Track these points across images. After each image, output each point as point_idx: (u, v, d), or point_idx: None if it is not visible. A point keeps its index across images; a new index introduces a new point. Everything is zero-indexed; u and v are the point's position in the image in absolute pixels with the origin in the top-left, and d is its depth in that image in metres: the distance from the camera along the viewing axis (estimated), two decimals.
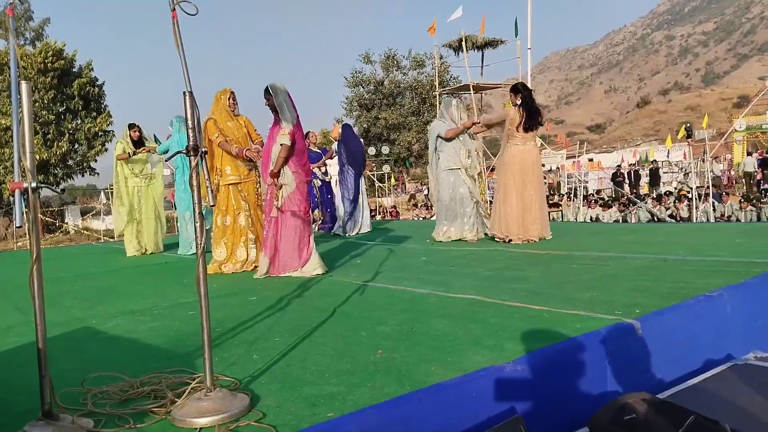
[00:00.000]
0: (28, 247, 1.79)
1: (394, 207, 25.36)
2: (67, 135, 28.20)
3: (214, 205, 1.76)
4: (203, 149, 1.92)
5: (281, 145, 4.79)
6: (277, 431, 1.75)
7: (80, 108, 28.72)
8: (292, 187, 4.90)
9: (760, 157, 22.22)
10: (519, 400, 2.10)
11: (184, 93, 1.89)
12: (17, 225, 1.64)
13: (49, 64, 26.94)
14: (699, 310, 2.97)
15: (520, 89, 6.41)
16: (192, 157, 1.91)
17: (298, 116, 4.91)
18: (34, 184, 1.70)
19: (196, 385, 2.09)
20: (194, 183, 1.93)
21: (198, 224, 1.94)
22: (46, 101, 27.19)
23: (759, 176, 21.63)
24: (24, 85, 1.73)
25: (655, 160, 26.47)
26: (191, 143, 1.89)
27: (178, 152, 1.98)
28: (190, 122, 1.89)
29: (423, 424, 1.88)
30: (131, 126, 7.69)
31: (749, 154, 23.92)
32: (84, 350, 3.04)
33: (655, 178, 23.75)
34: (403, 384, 2.08)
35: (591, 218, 15.53)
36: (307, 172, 5.07)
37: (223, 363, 2.52)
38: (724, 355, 2.92)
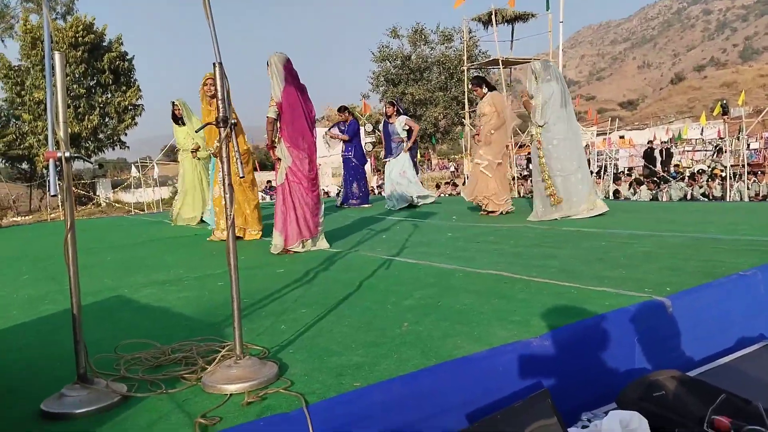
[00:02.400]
0: (62, 218, 1.83)
1: (421, 183, 25.24)
2: (97, 109, 28.64)
3: (243, 177, 1.76)
4: (233, 121, 1.92)
5: (266, 117, 4.78)
6: (305, 399, 1.77)
7: (110, 82, 29.11)
8: (289, 161, 4.78)
9: None
10: (545, 375, 2.10)
11: (214, 64, 1.89)
12: (52, 194, 1.67)
13: (79, 39, 27.27)
14: (731, 289, 2.92)
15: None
16: (222, 129, 1.91)
17: (295, 88, 4.73)
18: (67, 154, 1.73)
19: (226, 353, 2.13)
20: (223, 155, 1.93)
21: (228, 195, 1.96)
22: (77, 75, 27.59)
23: None
24: (57, 56, 1.75)
25: (668, 140, 25.95)
26: (221, 114, 1.89)
27: (207, 124, 1.99)
28: (219, 93, 1.89)
29: (448, 397, 1.89)
30: (173, 103, 7.83)
31: None
32: (116, 318, 3.12)
33: (668, 158, 23.32)
34: (429, 357, 2.09)
35: (618, 196, 15.26)
36: (303, 145, 4.81)
37: (252, 333, 2.56)
38: (756, 334, 2.87)
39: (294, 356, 2.22)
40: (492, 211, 7.00)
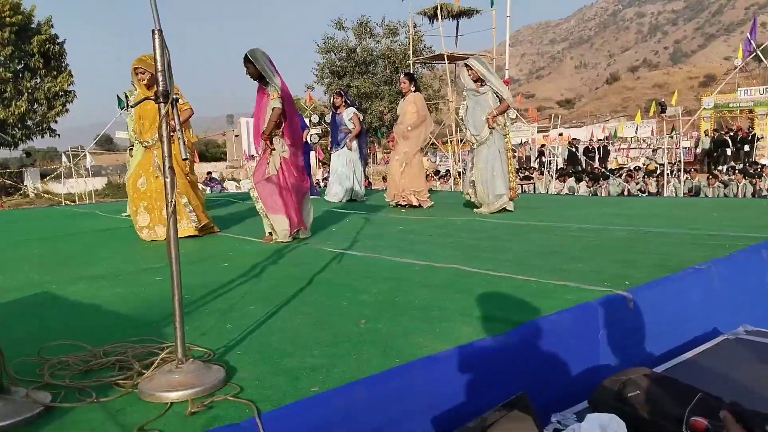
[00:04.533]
0: None
1: (366, 177, 25.12)
2: (25, 94, 27.07)
3: (186, 159, 1.58)
4: (174, 96, 1.71)
5: (273, 109, 4.54)
6: (256, 407, 1.59)
7: (40, 66, 27.55)
8: (287, 153, 4.69)
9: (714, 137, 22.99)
10: (514, 373, 1.99)
11: (153, 31, 1.67)
12: None
13: (6, 19, 25.65)
14: (688, 282, 2.91)
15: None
16: (161, 105, 1.70)
17: (283, 82, 4.65)
18: None
19: (166, 356, 1.91)
20: (162, 134, 1.72)
21: (168, 180, 1.75)
22: (2, 58, 25.98)
23: (715, 154, 22.28)
24: None
25: (605, 138, 26.92)
26: (161, 88, 1.68)
27: (145, 98, 1.77)
28: (159, 64, 1.68)
29: (414, 400, 1.75)
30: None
31: (705, 133, 24.59)
32: (42, 317, 2.82)
33: (605, 155, 24.27)
34: (390, 356, 1.95)
35: (563, 191, 15.61)
36: (299, 138, 4.85)
37: (195, 332, 2.34)
38: (711, 328, 2.87)
39: (243, 358, 2.03)
40: (416, 206, 6.97)
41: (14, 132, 27.53)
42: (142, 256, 4.50)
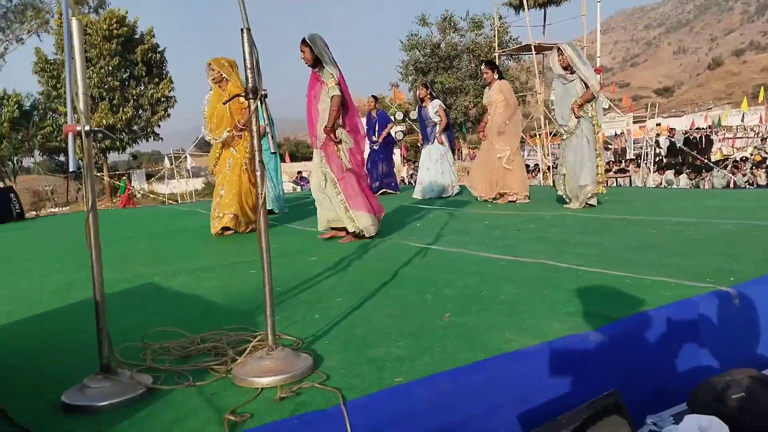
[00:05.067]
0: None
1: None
2: (131, 101, 29.01)
3: (275, 153, 1.61)
4: (264, 91, 1.77)
5: (332, 97, 4.38)
6: (342, 395, 1.62)
7: (143, 74, 29.43)
8: (351, 143, 4.56)
9: None
10: (604, 371, 1.91)
11: (242, 30, 1.74)
12: (71, 170, 1.55)
13: (113, 31, 27.60)
14: None
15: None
16: (251, 101, 1.76)
17: (340, 71, 4.50)
18: (87, 127, 1.60)
19: (258, 344, 1.99)
20: (252, 128, 1.78)
21: (259, 173, 1.81)
22: (111, 68, 27.97)
23: None
24: (75, 22, 1.62)
25: (707, 127, 25.03)
26: (250, 85, 1.74)
27: (236, 96, 1.84)
28: (248, 62, 1.74)
29: (499, 394, 1.72)
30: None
31: None
32: (147, 306, 3.02)
33: (707, 146, 22.44)
34: (475, 350, 1.92)
35: (662, 184, 14.80)
36: (357, 124, 4.69)
37: (285, 322, 2.42)
38: None
39: (329, 347, 2.07)
40: (513, 201, 6.82)
41: (122, 136, 29.58)
42: (237, 251, 4.70)
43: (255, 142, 1.79)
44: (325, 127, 4.41)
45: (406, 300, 2.68)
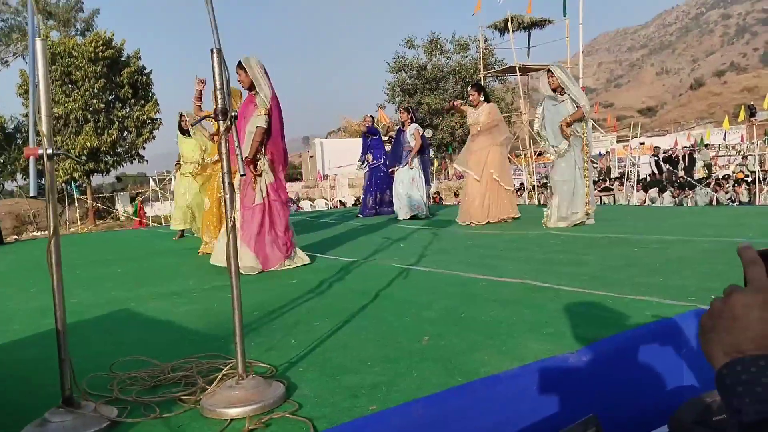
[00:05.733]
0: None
1: (437, 193, 25.01)
2: (116, 123, 28.90)
3: (243, 175, 1.58)
4: (234, 113, 1.73)
5: (257, 127, 4.29)
6: (313, 425, 1.56)
7: (129, 96, 29.38)
8: (271, 177, 4.44)
9: None
10: (585, 394, 1.87)
11: (212, 50, 1.71)
12: (30, 195, 1.50)
13: (99, 54, 27.59)
14: None
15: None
16: (221, 122, 1.72)
17: (274, 94, 4.41)
18: (50, 150, 1.55)
19: (228, 372, 1.92)
20: (222, 150, 1.74)
21: (227, 196, 1.77)
22: (96, 90, 27.91)
23: None
24: (39, 43, 1.58)
25: (690, 146, 25.31)
26: (219, 106, 1.71)
27: (205, 117, 1.80)
28: (218, 82, 1.71)
29: (476, 421, 1.66)
30: (181, 114, 7.63)
31: None
32: (119, 332, 2.94)
33: (690, 164, 22.72)
34: (453, 374, 1.87)
35: (646, 202, 14.91)
36: (281, 154, 4.52)
37: (260, 348, 2.36)
38: None
39: (304, 375, 2.01)
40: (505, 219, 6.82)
41: (107, 159, 29.40)
42: (218, 274, 4.63)
43: (224, 164, 1.75)
44: (246, 157, 4.25)
45: (385, 323, 2.63)
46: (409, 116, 8.51)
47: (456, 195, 19.25)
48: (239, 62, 4.39)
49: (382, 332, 2.47)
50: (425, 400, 1.64)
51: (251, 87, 4.42)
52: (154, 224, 21.10)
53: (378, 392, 1.77)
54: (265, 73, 4.41)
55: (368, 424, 1.54)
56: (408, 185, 8.29)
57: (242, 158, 1.84)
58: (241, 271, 4.16)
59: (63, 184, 26.49)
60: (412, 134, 8.33)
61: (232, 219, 1.77)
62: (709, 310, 0.77)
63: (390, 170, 8.87)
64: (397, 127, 8.88)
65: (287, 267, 4.48)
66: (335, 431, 1.51)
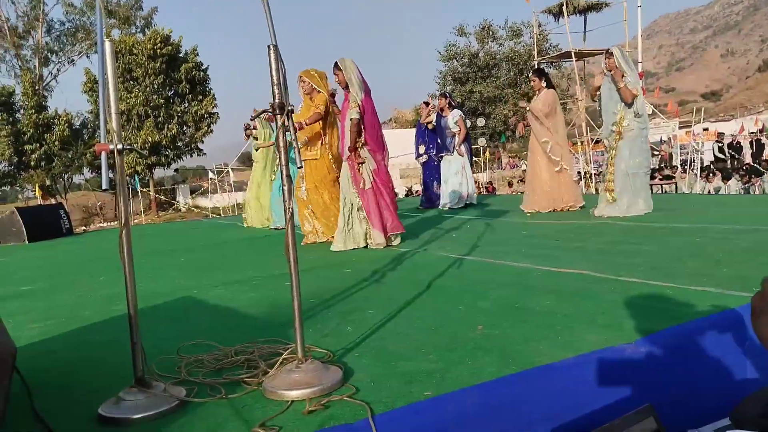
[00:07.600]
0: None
1: (491, 183, 24.75)
2: (176, 118, 29.83)
3: (301, 167, 1.63)
4: (290, 107, 1.79)
5: (351, 119, 4.78)
6: (370, 408, 1.61)
7: (187, 92, 30.25)
8: (372, 164, 4.89)
9: None
10: (642, 386, 1.84)
11: (269, 46, 1.76)
12: (102, 188, 1.60)
13: (158, 51, 28.49)
14: None
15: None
16: (278, 116, 1.78)
17: (368, 90, 4.86)
18: (120, 146, 1.65)
19: (288, 356, 2.00)
20: (280, 144, 1.80)
21: (286, 188, 1.83)
22: (156, 86, 28.84)
23: None
24: (107, 44, 1.67)
25: (758, 131, 23.96)
26: (276, 101, 1.77)
27: (263, 111, 1.87)
28: (275, 78, 1.77)
29: (531, 409, 1.68)
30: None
31: None
32: (184, 319, 3.08)
33: (759, 150, 21.54)
34: (507, 363, 1.89)
35: (710, 191, 14.33)
36: (381, 146, 5.01)
37: (317, 334, 2.43)
38: None
39: (360, 360, 2.07)
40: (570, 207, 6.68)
41: (167, 153, 30.41)
42: (275, 263, 4.76)
43: (282, 156, 1.81)
44: (349, 146, 4.84)
45: (439, 312, 2.66)
46: (447, 102, 8.46)
47: (510, 185, 18.97)
48: (336, 63, 4.88)
49: (436, 321, 2.50)
50: (480, 387, 1.66)
51: (347, 86, 4.87)
52: (214, 215, 21.74)
53: (432, 379, 1.80)
54: (360, 74, 4.86)
55: (424, 409, 1.58)
56: (458, 173, 8.26)
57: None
58: (373, 246, 4.91)
59: (128, 178, 27.54)
60: (456, 121, 8.27)
61: (290, 210, 1.83)
62: (760, 291, 0.76)
63: (438, 156, 8.79)
64: (436, 113, 8.77)
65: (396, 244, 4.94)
66: (391, 414, 1.56)
